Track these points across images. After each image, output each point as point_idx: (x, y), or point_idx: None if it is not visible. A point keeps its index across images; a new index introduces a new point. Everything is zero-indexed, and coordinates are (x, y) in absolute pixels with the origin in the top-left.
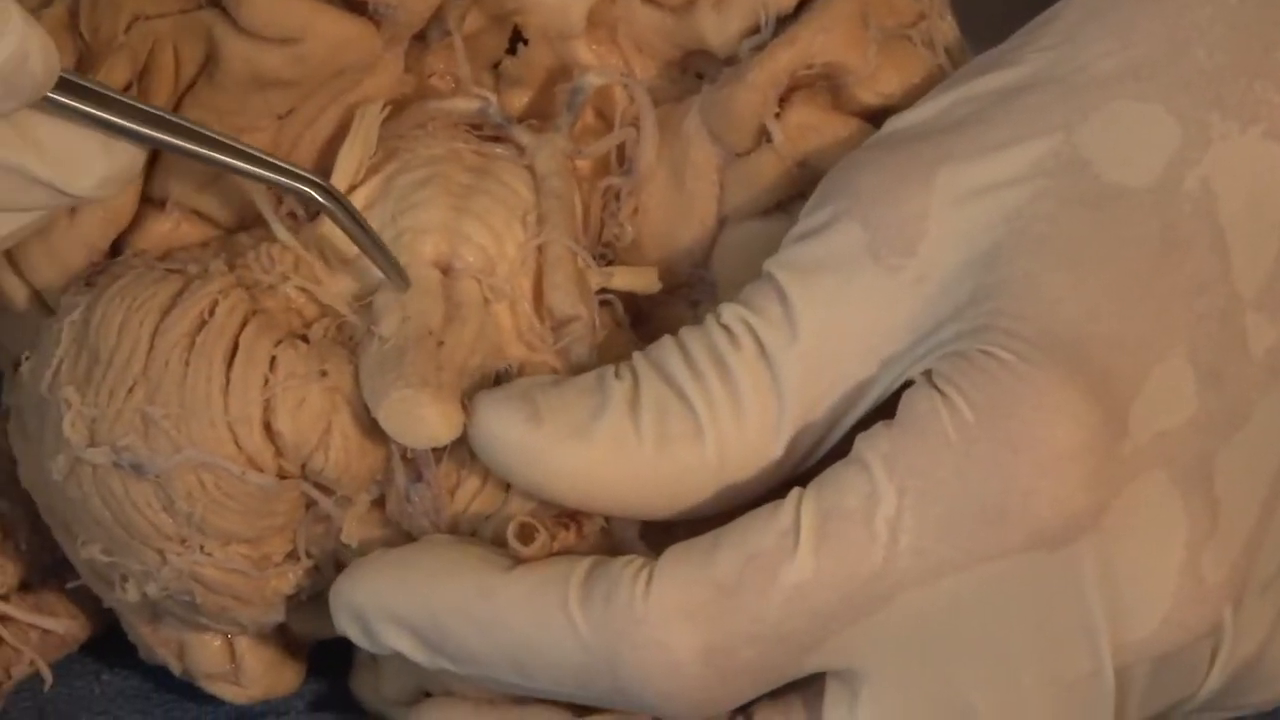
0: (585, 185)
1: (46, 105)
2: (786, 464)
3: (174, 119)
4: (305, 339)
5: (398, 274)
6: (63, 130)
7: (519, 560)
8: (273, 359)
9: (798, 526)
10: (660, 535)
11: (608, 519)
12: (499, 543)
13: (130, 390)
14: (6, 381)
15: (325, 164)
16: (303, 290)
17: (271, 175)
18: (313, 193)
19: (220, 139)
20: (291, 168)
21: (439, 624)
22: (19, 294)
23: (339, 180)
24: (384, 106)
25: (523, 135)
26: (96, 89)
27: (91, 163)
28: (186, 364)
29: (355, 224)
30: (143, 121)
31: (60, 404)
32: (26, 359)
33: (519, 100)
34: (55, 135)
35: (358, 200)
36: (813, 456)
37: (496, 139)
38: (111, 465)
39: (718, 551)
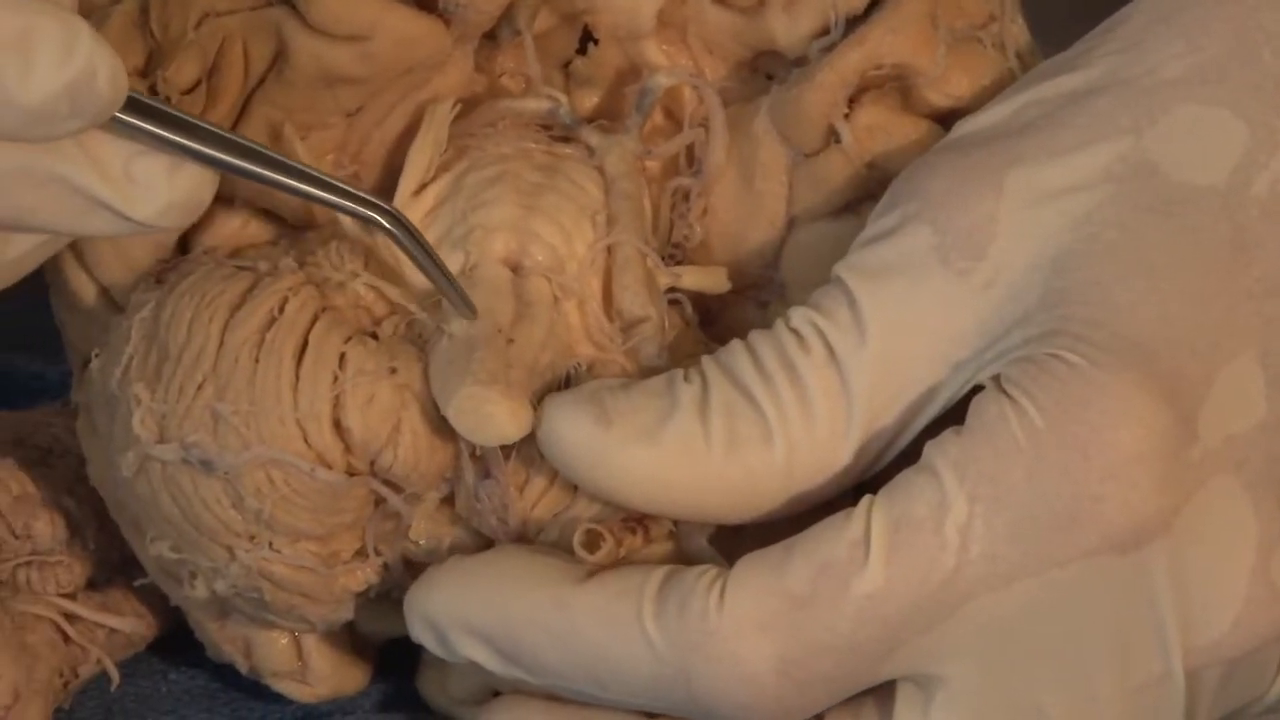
0: (654, 186)
1: (113, 125)
2: (855, 469)
3: (243, 141)
4: (375, 336)
5: (464, 303)
6: (127, 150)
7: (586, 566)
8: (342, 356)
9: (868, 536)
10: (728, 540)
11: (675, 523)
12: (566, 545)
13: (200, 387)
14: (75, 379)
15: (395, 161)
16: (372, 287)
17: (339, 200)
18: (380, 219)
19: (289, 164)
20: (359, 193)
21: (514, 635)
22: (88, 291)
23: (409, 178)
24: (454, 104)
25: (592, 136)
26: (165, 110)
27: (157, 187)
28: (256, 361)
29: (422, 251)
30: (211, 144)
31: (130, 401)
32: (96, 356)
33: (589, 100)
34: (121, 157)
35: (427, 198)
36: (881, 461)
37: (566, 139)
38: (181, 462)
39: (790, 562)
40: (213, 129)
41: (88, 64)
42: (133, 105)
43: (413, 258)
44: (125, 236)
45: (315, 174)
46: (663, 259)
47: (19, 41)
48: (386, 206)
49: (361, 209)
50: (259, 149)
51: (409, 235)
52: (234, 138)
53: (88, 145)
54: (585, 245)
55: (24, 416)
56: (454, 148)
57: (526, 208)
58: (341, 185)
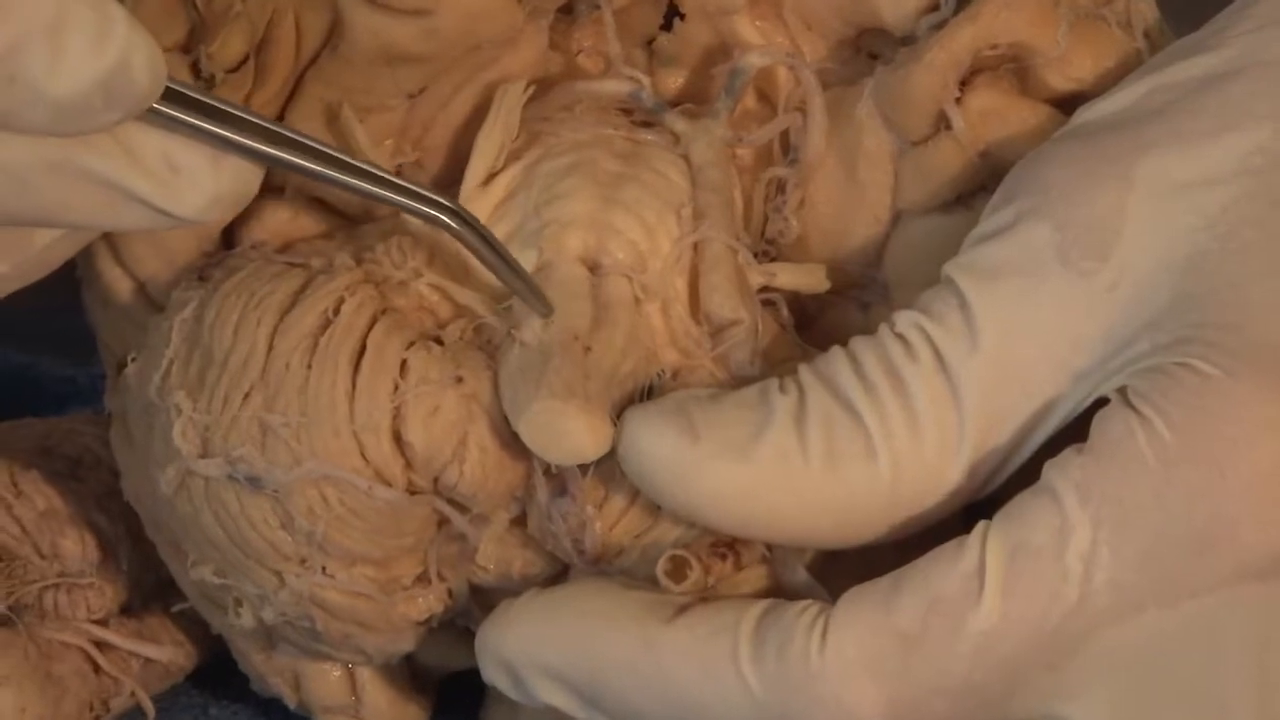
0: (746, 176)
1: (151, 117)
2: (966, 489)
3: (293, 134)
4: (439, 341)
5: (539, 302)
6: (167, 144)
7: (674, 602)
8: (403, 363)
9: (983, 566)
10: (827, 567)
11: (769, 547)
12: (647, 571)
13: (246, 396)
14: (109, 384)
15: (460, 148)
16: (437, 288)
17: (397, 198)
18: (444, 218)
19: (344, 158)
20: (421, 190)
21: (597, 678)
22: (123, 288)
23: (476, 167)
24: (526, 86)
25: (677, 121)
26: (207, 100)
27: (199, 181)
28: (309, 367)
29: (490, 250)
30: (258, 136)
31: (170, 410)
32: (132, 360)
33: (674, 82)
34: (159, 149)
35: (496, 189)
36: (994, 481)
37: (648, 124)
38: (225, 478)
39: (898, 596)
40: (258, 120)
41: (123, 53)
42: (172, 95)
43: (481, 258)
44: (164, 230)
45: (370, 168)
46: (755, 256)
47: (48, 29)
48: (449, 203)
49: (422, 206)
50: (309, 141)
51: (475, 234)
52: (281, 130)
53: (123, 136)
54: (670, 241)
55: (52, 424)
56: (526, 134)
57: (605, 200)
58: (400, 181)
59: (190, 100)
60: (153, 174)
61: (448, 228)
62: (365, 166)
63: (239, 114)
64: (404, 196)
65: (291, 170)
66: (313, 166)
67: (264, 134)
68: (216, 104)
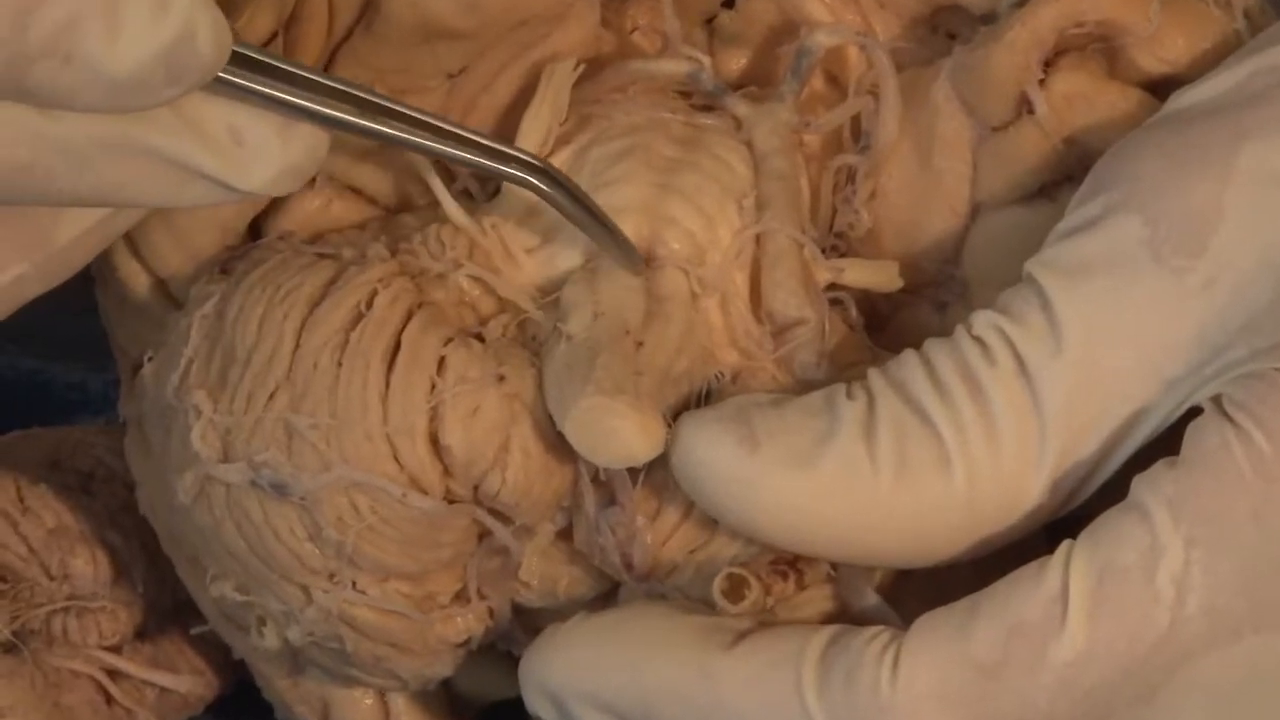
0: (813, 164)
1: (214, 86)
2: (1048, 505)
3: (365, 94)
4: (480, 338)
5: (632, 260)
6: (232, 114)
7: (732, 628)
8: (441, 360)
9: (1066, 590)
10: (897, 588)
11: (834, 566)
12: (703, 590)
13: (272, 396)
14: (124, 389)
15: (505, 132)
16: (478, 280)
17: (487, 162)
18: (530, 177)
19: (421, 117)
20: (510, 150)
21: (650, 710)
22: (139, 283)
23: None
24: (576, 65)
25: (739, 105)
26: (271, 61)
27: (267, 152)
28: (339, 365)
29: (583, 210)
30: (328, 99)
31: (189, 412)
32: (149, 360)
33: (735, 62)
34: (223, 120)
35: None
36: (1079, 496)
37: (708, 108)
38: (249, 484)
39: (975, 623)
40: (325, 80)
41: (185, 23)
42: (236, 59)
43: (573, 219)
44: (184, 216)
45: (457, 129)
46: (822, 250)
47: (104, 2)
48: (536, 161)
49: (507, 167)
50: (388, 102)
51: (563, 190)
52: (356, 89)
53: (185, 108)
54: (730, 233)
55: (62, 435)
56: (576, 117)
57: (660, 187)
58: (483, 140)
59: (256, 64)
60: (218, 147)
61: (534, 188)
62: (443, 124)
63: (306, 75)
64: (486, 157)
65: (368, 136)
66: (386, 130)
67: (332, 94)
68: (283, 65)
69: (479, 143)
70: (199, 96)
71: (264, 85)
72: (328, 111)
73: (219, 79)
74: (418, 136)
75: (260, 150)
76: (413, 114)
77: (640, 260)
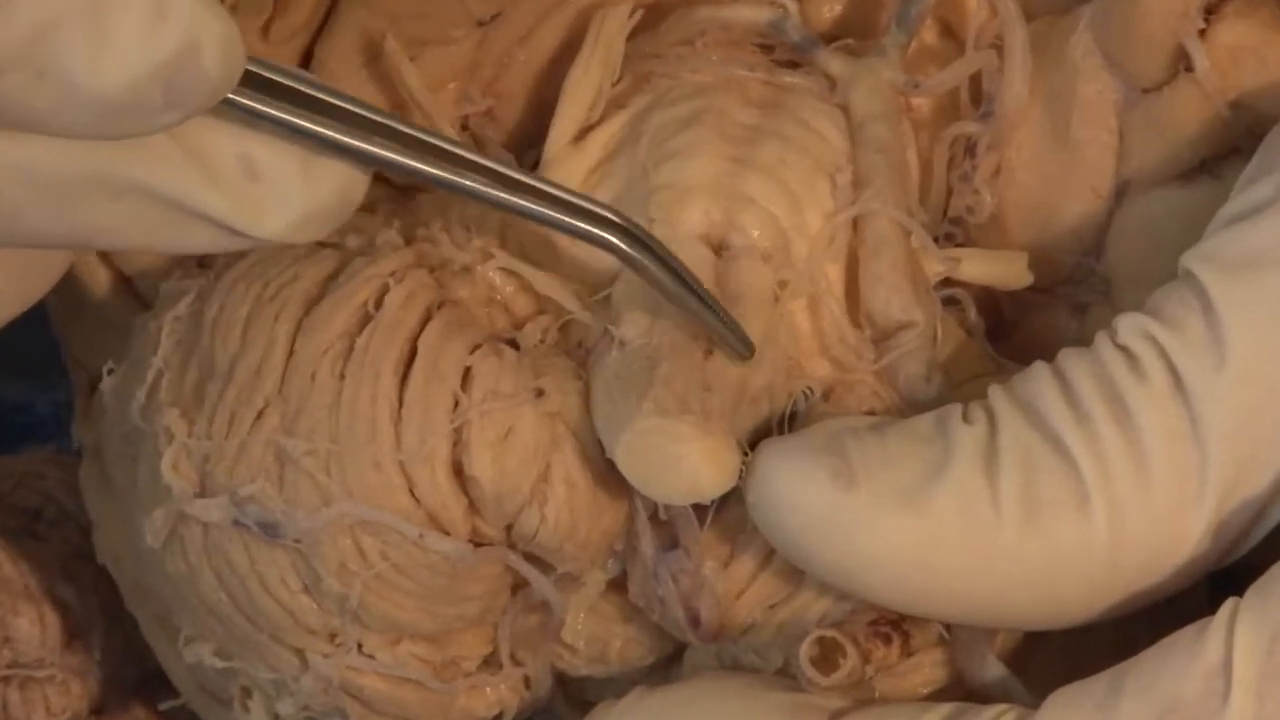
0: (924, 133)
1: (224, 109)
2: (1208, 553)
3: (406, 128)
4: (513, 344)
5: (742, 343)
6: (246, 144)
7: (812, 691)
8: (466, 371)
9: (1229, 662)
10: (1024, 653)
11: (948, 627)
12: (782, 655)
13: (260, 415)
14: (79, 409)
15: (545, 94)
16: (512, 274)
17: (553, 214)
18: (611, 237)
19: (482, 161)
20: (584, 202)
21: None
22: (100, 281)
23: (566, 118)
24: (632, 12)
25: (833, 60)
26: (294, 84)
27: (286, 192)
28: (341, 377)
29: (673, 277)
30: (362, 130)
31: (159, 435)
32: (109, 373)
33: (828, 9)
34: (235, 152)
35: (591, 148)
36: (1246, 543)
37: (794, 65)
38: (231, 524)
39: (1120, 701)
40: (363, 111)
41: (188, 34)
42: (251, 80)
43: (662, 290)
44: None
45: (513, 173)
46: (935, 238)
47: (88, 8)
48: (619, 218)
49: (584, 224)
50: (430, 137)
51: (653, 256)
52: (396, 123)
53: (188, 136)
54: (820, 216)
55: (5, 466)
56: (631, 75)
57: (735, 161)
58: (555, 190)
59: (275, 86)
60: (227, 184)
61: (614, 249)
62: (505, 170)
63: (338, 102)
64: (558, 210)
65: (406, 174)
66: (435, 172)
67: (368, 126)
68: (309, 89)
69: (548, 193)
70: (204, 121)
71: (285, 112)
72: (362, 146)
73: (229, 101)
74: (474, 181)
75: (279, 188)
76: (468, 156)
77: (753, 347)
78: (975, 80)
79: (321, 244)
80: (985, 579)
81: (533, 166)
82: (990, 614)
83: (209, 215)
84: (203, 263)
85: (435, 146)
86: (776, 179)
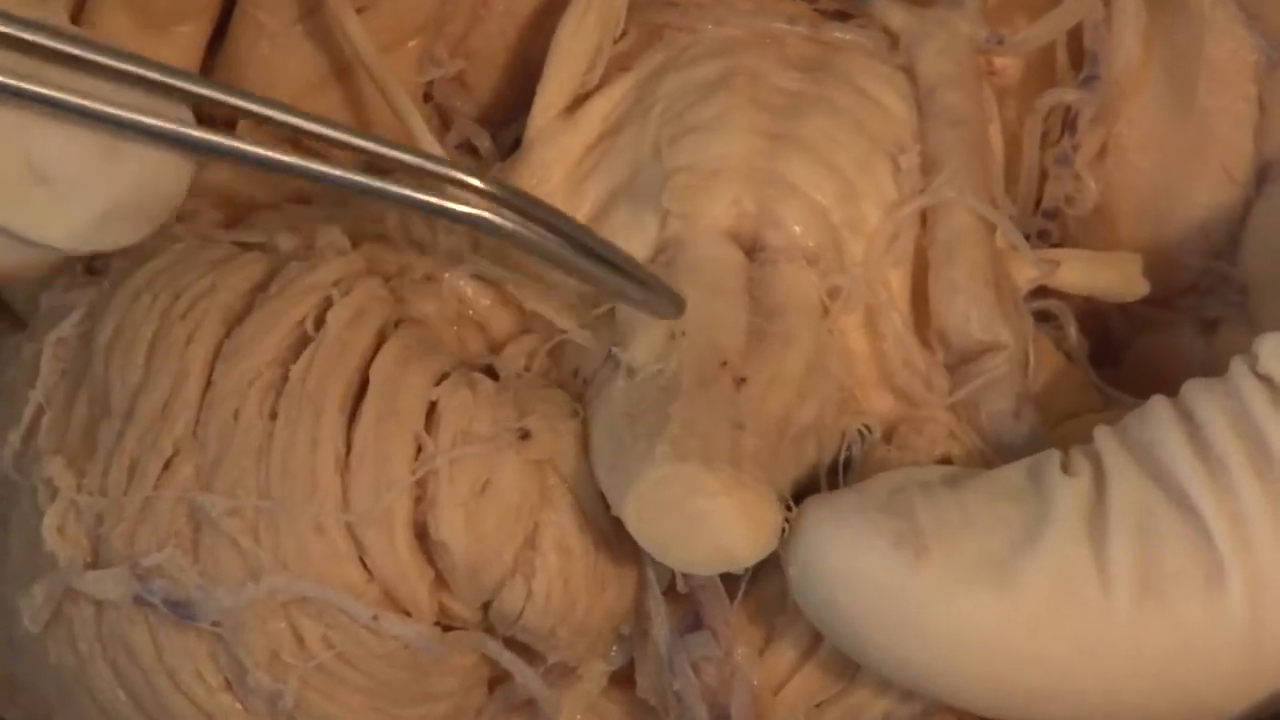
0: (1011, 103)
1: None
2: None
3: (226, 94)
4: (490, 372)
5: (667, 300)
6: (25, 139)
7: None
8: (432, 407)
9: None
10: None
11: None
12: None
13: (168, 465)
14: None
15: (530, 54)
16: (488, 285)
17: (411, 194)
18: (461, 208)
19: (311, 126)
20: (450, 171)
21: None
22: None
23: (554, 82)
24: None
25: (894, 11)
26: (70, 49)
27: (78, 190)
28: (273, 417)
29: (564, 239)
30: (166, 101)
31: (38, 490)
32: None
33: None
34: (15, 154)
35: (589, 119)
36: None
37: (844, 15)
38: (132, 602)
39: None
40: (167, 80)
41: None
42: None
43: (548, 255)
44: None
45: (340, 134)
46: (1026, 236)
47: None
48: (474, 180)
49: (444, 201)
50: (247, 103)
51: (529, 218)
52: (205, 87)
53: None
54: (880, 208)
55: None
56: (638, 29)
57: (772, 138)
58: (439, 169)
59: (45, 50)
60: (8, 191)
61: (481, 225)
62: (332, 130)
63: (132, 68)
64: (405, 185)
65: (216, 155)
66: (251, 150)
67: (177, 93)
68: (90, 53)
69: (399, 158)
70: None
71: (54, 89)
72: (162, 125)
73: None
74: (308, 162)
75: (73, 186)
76: (300, 123)
77: (682, 302)
78: (1075, 35)
79: (245, 245)
80: (1091, 671)
81: (514, 145)
82: (1099, 715)
83: None
84: (93, 268)
85: (251, 111)
86: (824, 160)
